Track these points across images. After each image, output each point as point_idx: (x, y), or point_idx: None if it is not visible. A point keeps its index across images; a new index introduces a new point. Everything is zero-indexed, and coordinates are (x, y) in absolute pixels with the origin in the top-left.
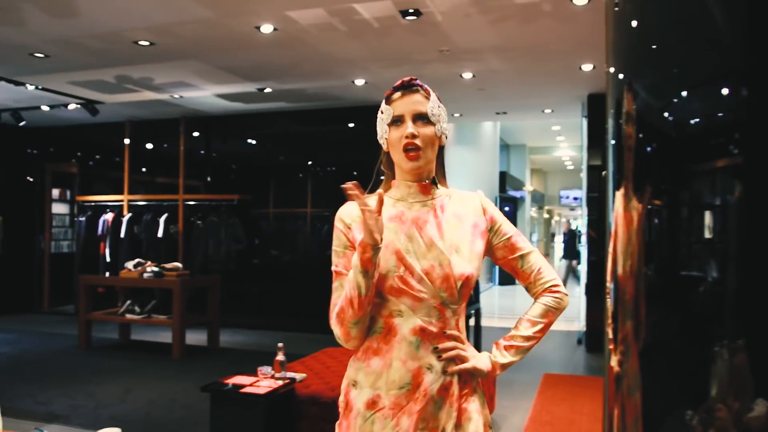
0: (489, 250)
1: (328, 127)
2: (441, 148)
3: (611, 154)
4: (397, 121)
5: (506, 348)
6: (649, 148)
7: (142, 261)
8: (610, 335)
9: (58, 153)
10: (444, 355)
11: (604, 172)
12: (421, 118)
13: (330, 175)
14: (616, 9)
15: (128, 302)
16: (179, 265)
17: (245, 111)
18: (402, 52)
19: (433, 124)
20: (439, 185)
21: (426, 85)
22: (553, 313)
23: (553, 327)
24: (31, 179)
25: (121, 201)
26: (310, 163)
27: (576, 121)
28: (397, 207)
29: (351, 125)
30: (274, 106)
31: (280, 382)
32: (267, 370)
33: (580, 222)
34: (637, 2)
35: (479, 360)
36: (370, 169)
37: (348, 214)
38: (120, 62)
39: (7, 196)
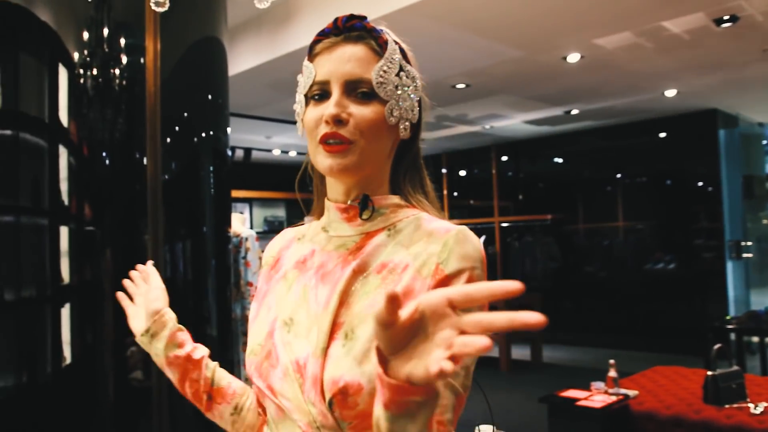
0: None
1: (637, 139)
2: (404, 146)
3: None
4: (319, 91)
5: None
6: None
7: None
8: None
9: None
10: None
11: None
12: (359, 89)
13: (641, 187)
14: None
15: None
16: None
17: (551, 133)
18: (717, 57)
19: (381, 101)
20: (385, 207)
21: (382, 29)
22: None
23: None
24: None
25: None
26: (619, 176)
27: None
28: (314, 241)
29: (662, 135)
30: (581, 126)
31: (614, 398)
32: (600, 385)
33: None
34: None
35: None
36: (683, 179)
37: (273, 246)
38: (439, 104)
39: None
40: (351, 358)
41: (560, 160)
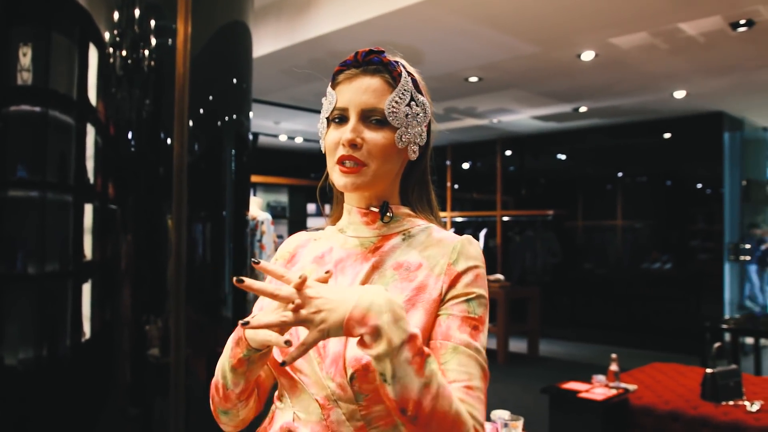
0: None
1: (641, 139)
2: (413, 164)
3: None
4: (338, 116)
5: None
6: None
7: None
8: None
9: None
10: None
11: None
12: (373, 117)
13: (641, 186)
14: None
15: None
16: (501, 276)
17: (557, 129)
18: (729, 60)
19: (392, 128)
20: (399, 215)
21: (399, 61)
22: (449, 409)
23: None
24: None
25: (445, 218)
26: (620, 175)
27: None
28: (331, 240)
29: (666, 136)
30: (586, 123)
31: (614, 391)
32: (601, 378)
33: None
34: None
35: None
36: (684, 179)
37: (288, 243)
38: (450, 97)
39: None
40: None
41: (563, 157)
